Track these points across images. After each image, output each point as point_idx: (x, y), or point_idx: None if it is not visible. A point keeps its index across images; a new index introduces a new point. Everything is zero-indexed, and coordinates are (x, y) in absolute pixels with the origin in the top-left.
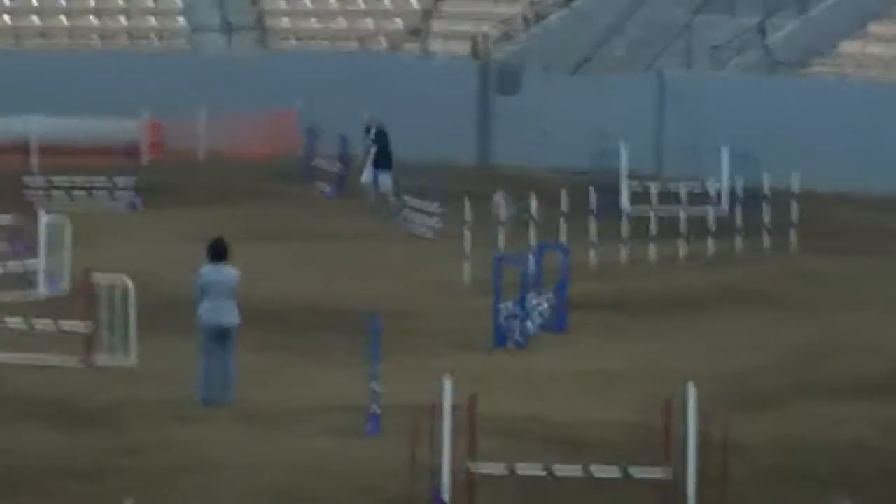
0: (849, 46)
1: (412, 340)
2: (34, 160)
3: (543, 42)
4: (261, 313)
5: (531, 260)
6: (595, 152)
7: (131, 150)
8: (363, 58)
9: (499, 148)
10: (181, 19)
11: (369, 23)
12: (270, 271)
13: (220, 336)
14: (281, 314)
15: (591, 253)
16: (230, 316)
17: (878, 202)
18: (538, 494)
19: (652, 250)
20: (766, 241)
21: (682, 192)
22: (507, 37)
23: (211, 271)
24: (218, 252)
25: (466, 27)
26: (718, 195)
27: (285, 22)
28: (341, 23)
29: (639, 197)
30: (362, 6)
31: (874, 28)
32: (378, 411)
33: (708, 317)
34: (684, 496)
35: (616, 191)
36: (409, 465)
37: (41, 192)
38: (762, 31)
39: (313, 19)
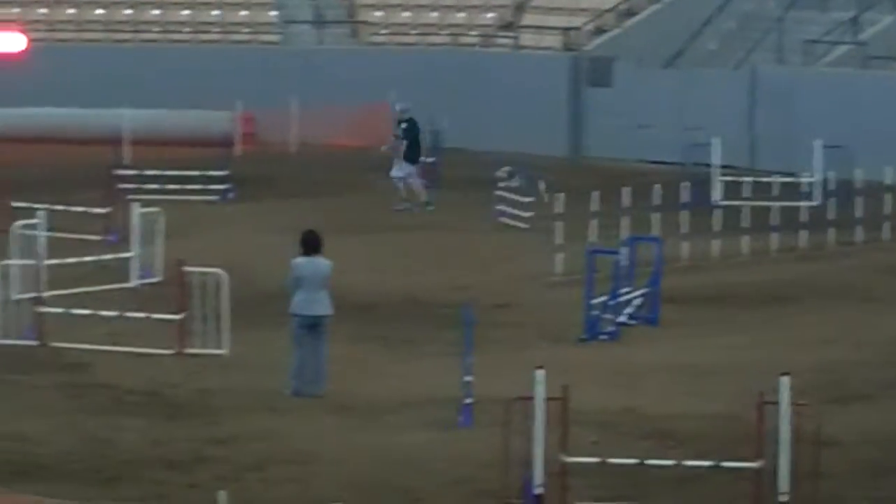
0: None
1: (504, 332)
2: (127, 152)
3: (635, 35)
4: (353, 305)
5: (623, 252)
6: (687, 145)
7: (224, 142)
8: (454, 51)
9: (590, 141)
10: (273, 12)
11: (461, 16)
12: (362, 263)
13: (313, 327)
14: (373, 306)
15: (684, 246)
16: (323, 307)
17: None
18: (630, 486)
19: (744, 243)
20: (859, 234)
21: (775, 185)
22: (599, 30)
23: (304, 263)
24: (311, 244)
25: (558, 20)
26: (811, 188)
27: (377, 15)
28: (433, 16)
29: (731, 190)
30: (454, 0)
31: None
32: (470, 403)
33: (800, 310)
34: (776, 490)
35: (708, 184)
36: (501, 456)
37: (134, 184)
38: (855, 26)
39: (405, 13)
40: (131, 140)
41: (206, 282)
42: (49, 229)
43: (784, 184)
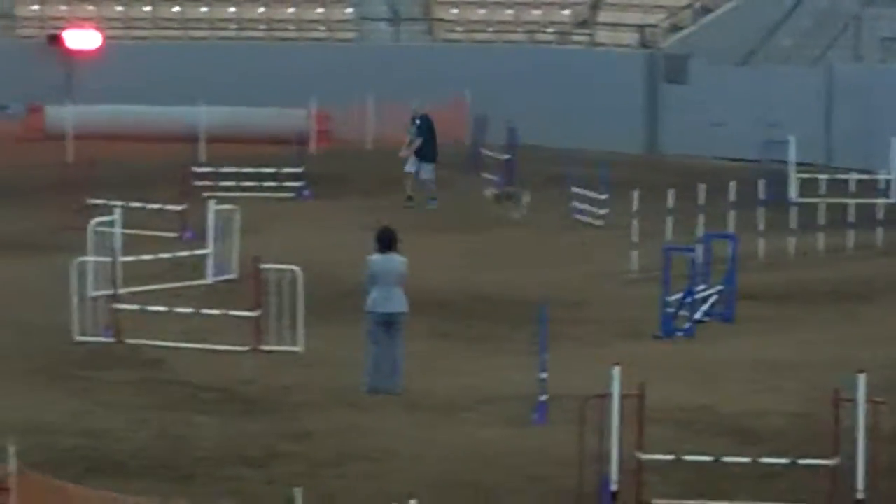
0: None
1: (580, 329)
2: (203, 149)
3: (711, 32)
4: (429, 302)
5: (699, 250)
6: (763, 142)
7: (299, 140)
8: (530, 48)
9: (666, 138)
10: (349, 9)
11: (537, 13)
12: (438, 260)
13: (389, 324)
14: (449, 303)
15: (760, 243)
16: (398, 304)
17: None
18: (706, 484)
19: (820, 240)
20: None
21: (851, 182)
22: (675, 27)
23: (379, 260)
24: (386, 241)
25: (634, 17)
26: (888, 185)
27: (453, 13)
28: (509, 13)
29: (807, 187)
30: None
31: None
32: (546, 400)
33: (877, 307)
34: (853, 487)
35: (784, 181)
36: (576, 454)
37: (210, 182)
38: None
39: (481, 10)
40: (207, 137)
41: (281, 279)
42: (125, 226)
43: (860, 181)
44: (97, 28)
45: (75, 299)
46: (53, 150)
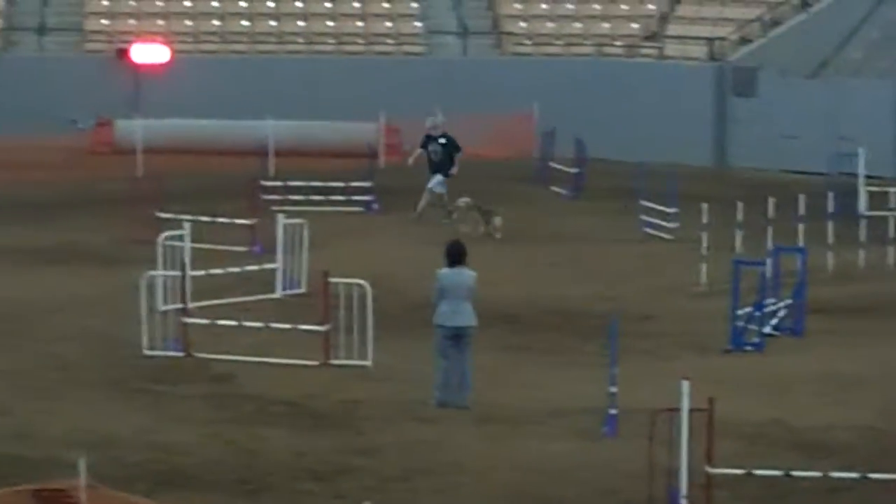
0: None
1: (649, 343)
2: (271, 164)
3: (780, 45)
4: (497, 315)
5: (769, 263)
6: (832, 155)
7: (368, 153)
8: (599, 62)
9: (735, 151)
10: (418, 23)
11: (606, 27)
12: (507, 273)
13: (457, 338)
14: (517, 316)
15: (829, 256)
16: (467, 318)
17: None
18: (776, 497)
19: (890, 253)
20: None
21: None
22: (744, 40)
23: (448, 274)
24: (455, 255)
25: (703, 30)
26: None
27: (521, 26)
28: (577, 27)
29: (877, 200)
30: (598, 10)
31: None
32: (615, 413)
33: None
34: None
35: (854, 194)
36: (646, 467)
37: (279, 196)
38: None
39: (549, 23)
40: (276, 151)
41: (350, 293)
42: (194, 240)
43: None
44: (166, 42)
45: (144, 313)
46: (122, 163)
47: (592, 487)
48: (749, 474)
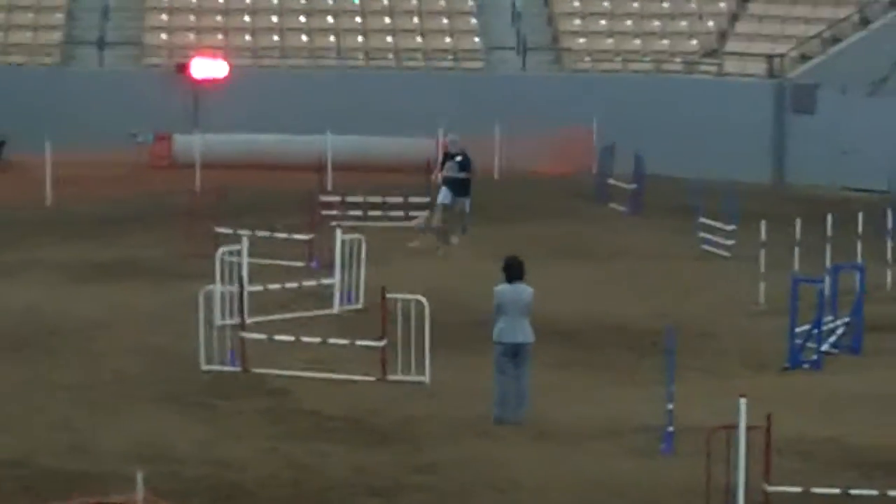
0: None
1: (706, 360)
2: (329, 178)
3: (840, 62)
4: (556, 331)
5: (827, 281)
6: (891, 172)
7: (426, 169)
8: (658, 78)
9: (793, 168)
10: (476, 39)
11: (664, 43)
12: (565, 289)
13: (516, 354)
14: (576, 332)
15: (888, 274)
16: (525, 334)
17: None
18: None
19: None
20: None
21: None
22: (803, 57)
23: (507, 290)
24: (514, 271)
25: (762, 47)
26: None
27: (580, 42)
28: (636, 43)
29: None
30: (658, 27)
31: None
32: (672, 431)
33: None
34: None
35: None
36: (703, 485)
37: (337, 211)
38: None
39: (608, 40)
40: (334, 166)
41: (407, 308)
42: (252, 255)
43: None
44: (224, 57)
45: (202, 328)
46: (181, 178)
47: None
48: (807, 492)
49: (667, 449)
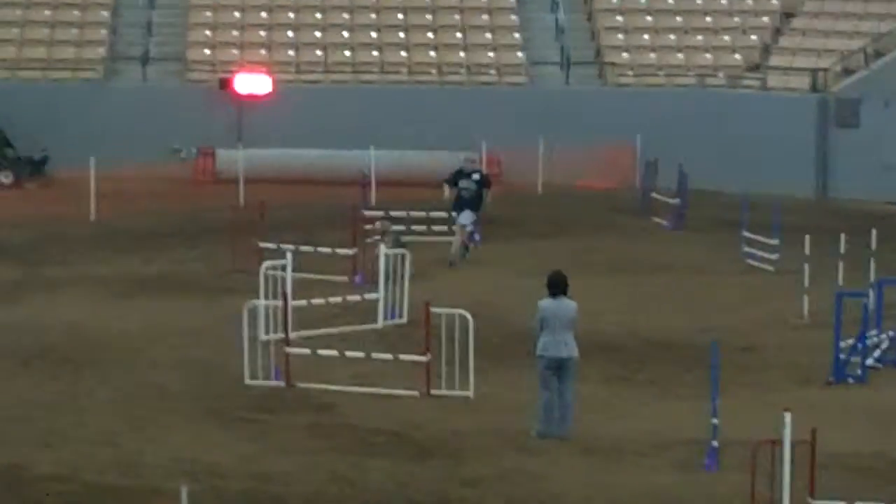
0: None
1: (751, 375)
2: (373, 193)
3: (883, 76)
4: (599, 346)
5: (872, 295)
6: None
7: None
8: (701, 92)
9: (837, 182)
10: (520, 54)
11: (708, 57)
12: (609, 304)
13: (560, 369)
14: (619, 347)
15: None
16: (569, 349)
17: None
18: None
19: None
20: None
21: None
22: (846, 71)
23: (550, 304)
24: (557, 285)
25: (806, 61)
26: None
27: (624, 56)
28: (679, 58)
29: None
30: (701, 41)
31: None
32: (717, 446)
33: None
34: None
35: None
36: (748, 500)
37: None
38: None
39: (651, 54)
40: (377, 181)
41: (452, 323)
42: (296, 270)
43: None
44: (268, 72)
45: (246, 343)
46: (224, 193)
47: None
48: None
49: (711, 463)
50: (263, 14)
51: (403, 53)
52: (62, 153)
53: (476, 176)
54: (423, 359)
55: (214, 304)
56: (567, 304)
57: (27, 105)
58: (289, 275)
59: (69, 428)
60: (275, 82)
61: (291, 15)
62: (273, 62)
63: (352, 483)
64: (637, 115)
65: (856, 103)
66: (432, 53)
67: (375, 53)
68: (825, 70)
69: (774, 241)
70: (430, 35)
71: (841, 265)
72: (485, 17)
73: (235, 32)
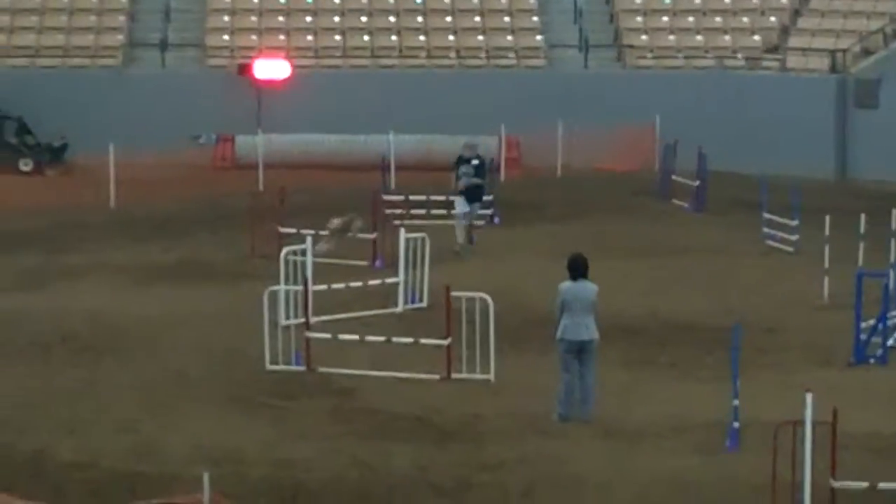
0: None
1: (771, 355)
2: (392, 178)
3: None
4: (621, 328)
5: (892, 275)
6: None
7: (489, 167)
8: (720, 74)
9: (856, 162)
10: (539, 37)
11: (727, 39)
12: (629, 286)
13: (580, 352)
14: (640, 329)
15: None
16: (589, 331)
17: None
18: None
19: None
20: None
21: None
22: (865, 52)
23: (570, 287)
24: (577, 268)
25: (825, 42)
26: None
27: (642, 39)
28: (698, 40)
29: None
30: (720, 23)
31: None
32: (738, 427)
33: None
34: None
35: None
36: (769, 481)
37: (400, 210)
38: None
39: (670, 36)
40: (396, 165)
41: (472, 306)
42: (316, 255)
43: None
44: (287, 58)
45: (267, 328)
46: (244, 179)
47: (714, 501)
48: (873, 488)
49: (732, 445)
50: None
51: (422, 38)
52: (81, 140)
53: (475, 161)
54: (443, 342)
55: (235, 289)
56: (587, 287)
57: (46, 92)
58: (309, 259)
59: (90, 414)
60: (294, 67)
61: (310, 0)
62: (292, 47)
63: (373, 467)
64: (656, 98)
65: (875, 84)
66: (451, 37)
67: (394, 38)
68: (844, 51)
69: (794, 223)
70: (448, 19)
71: (861, 246)
72: (504, 0)
73: (254, 18)
